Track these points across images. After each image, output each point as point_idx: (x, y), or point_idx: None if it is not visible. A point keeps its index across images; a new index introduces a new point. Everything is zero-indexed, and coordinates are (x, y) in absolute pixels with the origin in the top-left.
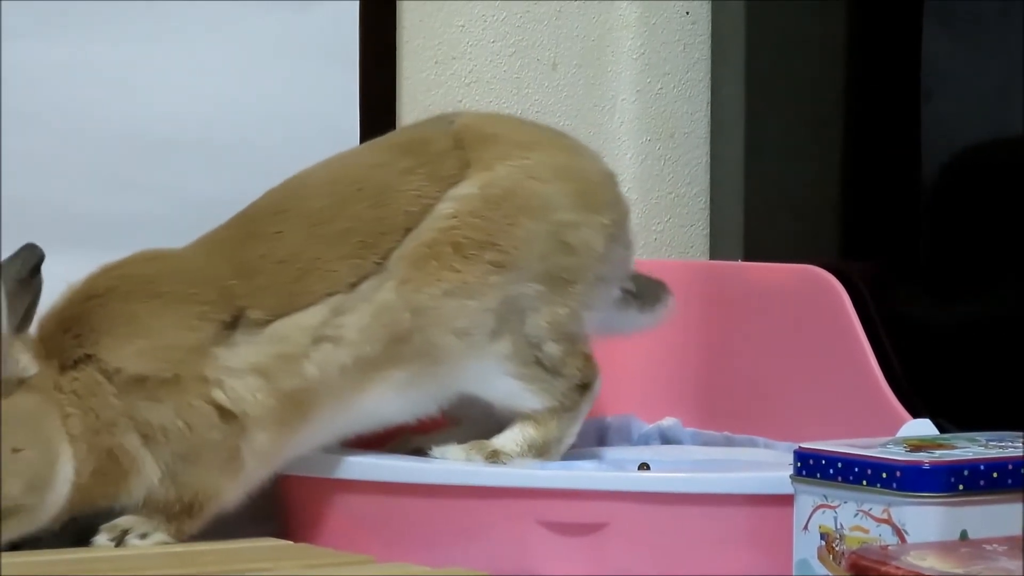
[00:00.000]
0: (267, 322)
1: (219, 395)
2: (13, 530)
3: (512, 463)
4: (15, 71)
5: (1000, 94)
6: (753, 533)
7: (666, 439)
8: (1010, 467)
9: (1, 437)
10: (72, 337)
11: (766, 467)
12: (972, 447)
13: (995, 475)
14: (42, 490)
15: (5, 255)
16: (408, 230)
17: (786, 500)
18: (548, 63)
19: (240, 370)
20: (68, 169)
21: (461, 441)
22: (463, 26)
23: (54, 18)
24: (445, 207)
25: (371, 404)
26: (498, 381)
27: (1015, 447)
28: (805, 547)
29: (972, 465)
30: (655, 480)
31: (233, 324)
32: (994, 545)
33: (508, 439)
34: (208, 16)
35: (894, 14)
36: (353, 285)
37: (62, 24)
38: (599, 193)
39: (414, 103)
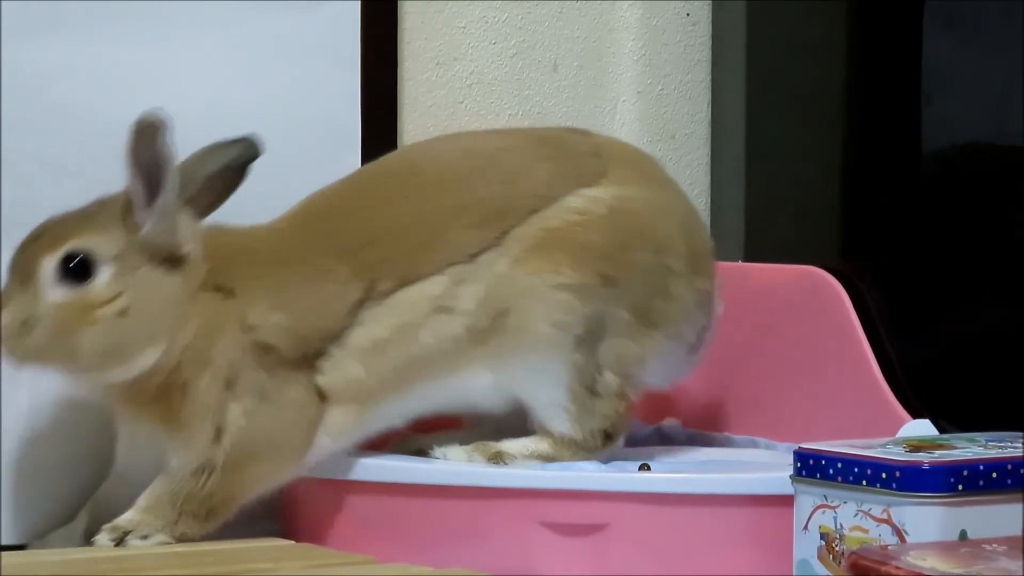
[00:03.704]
0: (392, 292)
1: (322, 380)
2: (55, 373)
3: (514, 464)
4: (15, 72)
5: (1002, 96)
6: (753, 533)
7: (667, 440)
8: (1010, 467)
9: (120, 295)
10: (223, 261)
11: (766, 467)
12: (972, 447)
13: (995, 475)
14: (115, 363)
15: (5, 256)
16: (534, 212)
17: (786, 500)
18: (549, 64)
19: (357, 348)
20: (69, 170)
21: (464, 443)
22: (464, 27)
23: (55, 18)
24: (575, 201)
25: (465, 380)
26: (552, 388)
27: (1015, 447)
28: (805, 547)
29: (972, 465)
30: (656, 481)
31: (360, 303)
32: (994, 545)
33: (518, 444)
34: (209, 17)
35: (895, 15)
36: (473, 256)
37: (63, 25)
38: (706, 258)
39: (415, 104)
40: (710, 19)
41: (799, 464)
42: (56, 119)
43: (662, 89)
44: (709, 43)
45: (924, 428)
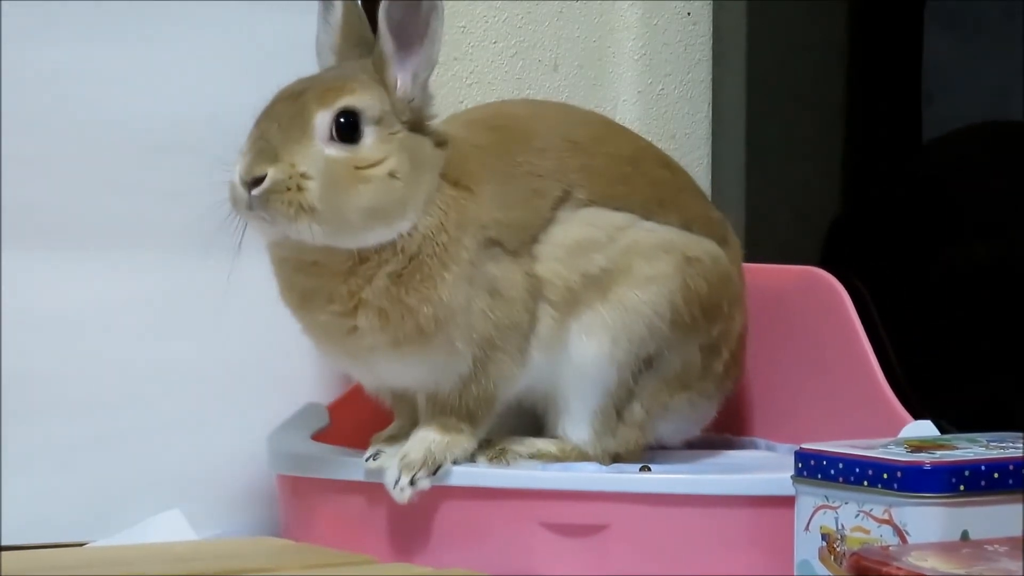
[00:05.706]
0: (585, 204)
1: (539, 269)
2: (318, 234)
3: (517, 464)
4: (16, 73)
5: (1001, 97)
6: (754, 534)
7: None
8: (1011, 468)
9: (389, 161)
10: (458, 156)
11: (767, 468)
12: (973, 448)
13: (996, 476)
14: (379, 223)
15: (5, 256)
16: (683, 221)
17: (787, 501)
18: (549, 64)
19: (556, 244)
20: (68, 170)
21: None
22: (464, 27)
23: (55, 20)
24: (708, 245)
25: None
26: (592, 382)
27: (1016, 448)
28: (806, 548)
29: (973, 466)
30: (656, 482)
31: (560, 202)
32: (995, 546)
33: (525, 442)
34: (209, 17)
35: (895, 16)
36: (645, 217)
37: (62, 26)
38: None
39: None
40: (710, 19)
41: (800, 465)
42: (56, 119)
43: (662, 89)
44: (709, 43)
45: (926, 429)
